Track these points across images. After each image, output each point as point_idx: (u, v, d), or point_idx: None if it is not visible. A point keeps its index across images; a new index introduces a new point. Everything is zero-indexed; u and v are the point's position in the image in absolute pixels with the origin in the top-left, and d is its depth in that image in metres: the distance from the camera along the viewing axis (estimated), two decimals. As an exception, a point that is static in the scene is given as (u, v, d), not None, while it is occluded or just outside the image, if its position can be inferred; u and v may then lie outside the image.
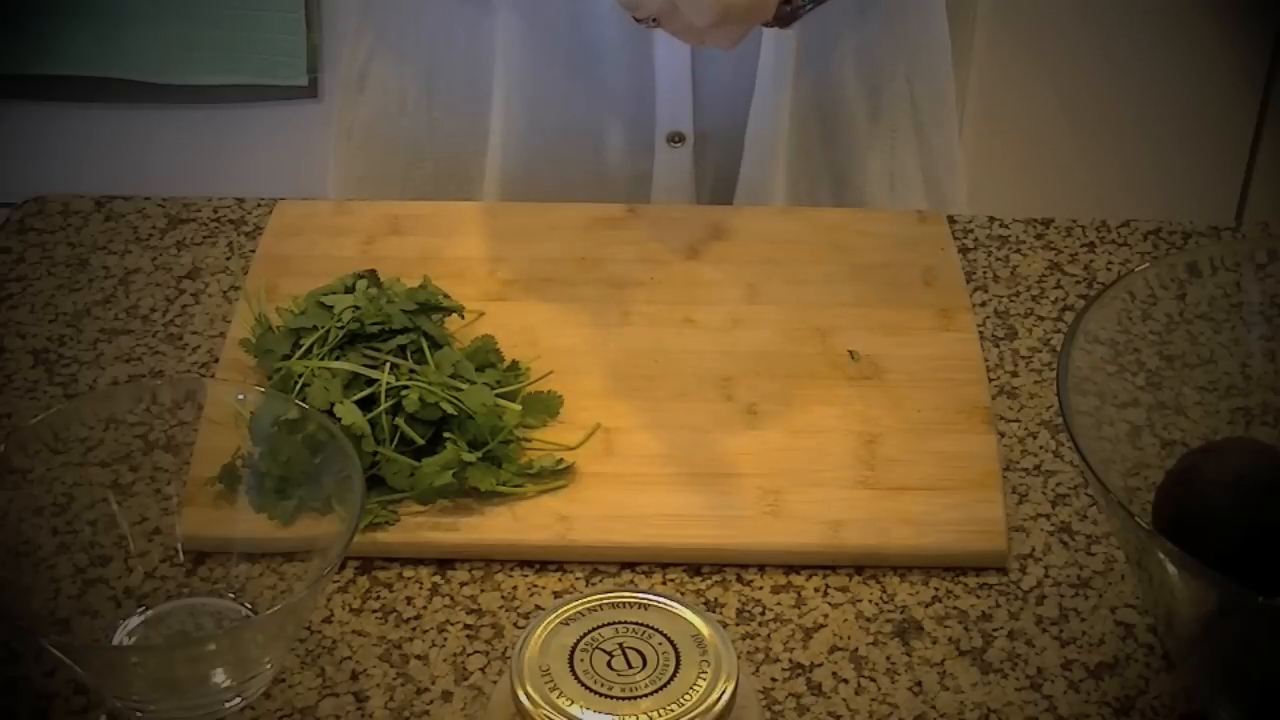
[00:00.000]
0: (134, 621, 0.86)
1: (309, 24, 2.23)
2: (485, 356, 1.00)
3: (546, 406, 0.99)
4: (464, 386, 0.96)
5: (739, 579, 0.92)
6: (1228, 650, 0.80)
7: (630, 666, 0.71)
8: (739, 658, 0.73)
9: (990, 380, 1.04)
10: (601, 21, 1.17)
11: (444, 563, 0.93)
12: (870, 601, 0.91)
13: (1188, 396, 0.90)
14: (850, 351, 1.04)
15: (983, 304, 1.10)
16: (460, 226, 1.14)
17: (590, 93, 1.20)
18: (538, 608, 0.90)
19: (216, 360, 1.04)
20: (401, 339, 0.97)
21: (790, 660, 0.88)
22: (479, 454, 0.94)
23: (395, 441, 0.94)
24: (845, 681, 0.87)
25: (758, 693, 0.85)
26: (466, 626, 0.89)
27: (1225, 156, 2.35)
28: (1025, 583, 0.92)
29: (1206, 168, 2.35)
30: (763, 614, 0.90)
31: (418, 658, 0.88)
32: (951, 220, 1.16)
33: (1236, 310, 0.91)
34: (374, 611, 0.90)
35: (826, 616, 0.90)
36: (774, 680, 0.87)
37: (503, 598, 0.91)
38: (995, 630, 0.89)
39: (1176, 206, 2.23)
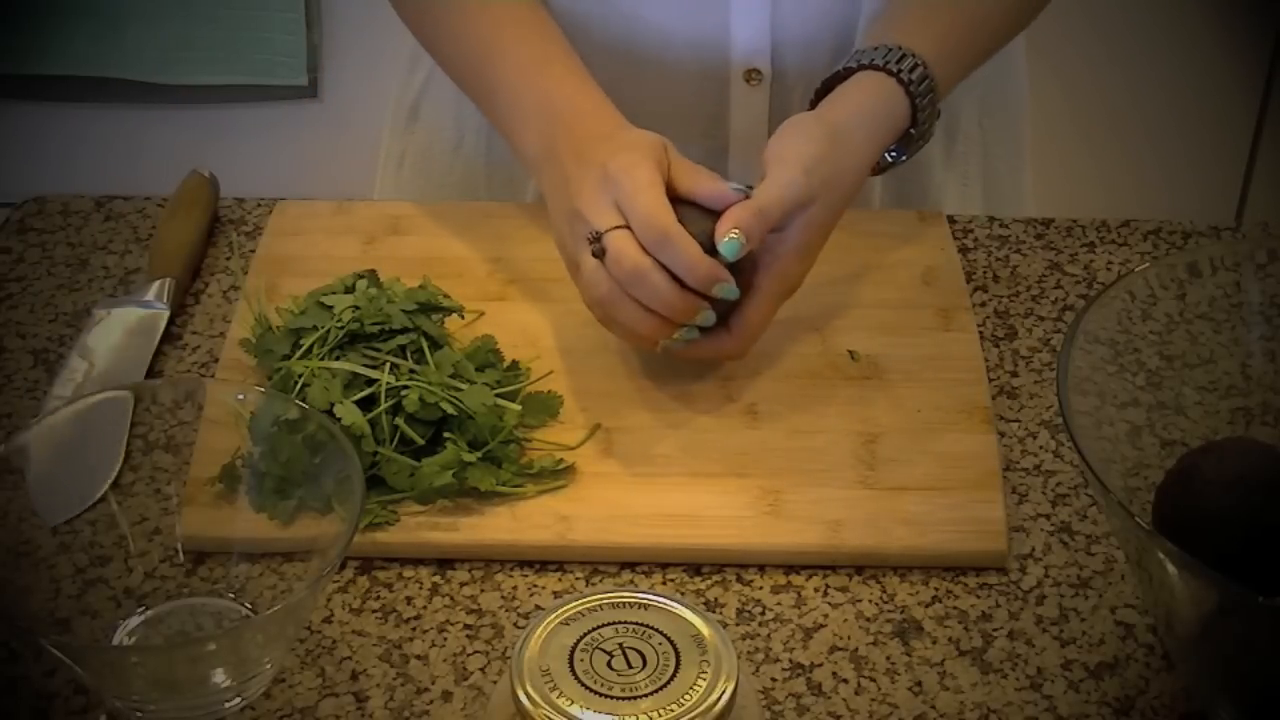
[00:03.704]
0: (134, 621, 0.86)
1: (309, 24, 2.23)
2: (485, 356, 1.00)
3: (546, 406, 0.99)
4: (464, 386, 0.96)
5: (739, 579, 0.92)
6: (1228, 650, 0.80)
7: (630, 666, 0.71)
8: (739, 658, 0.73)
9: (990, 380, 1.04)
10: None
11: (444, 563, 0.93)
12: (870, 601, 0.91)
13: (1188, 396, 0.90)
14: (850, 351, 1.04)
15: (983, 304, 1.10)
16: (460, 226, 1.14)
17: (660, 31, 1.15)
18: (538, 608, 0.90)
19: (216, 360, 1.04)
20: (401, 339, 0.97)
21: (790, 660, 0.88)
22: (479, 454, 0.94)
23: (395, 441, 0.94)
24: (845, 681, 0.87)
25: (758, 693, 0.85)
26: (466, 626, 0.89)
27: (1225, 156, 2.35)
28: (1025, 583, 0.92)
29: (1206, 168, 2.35)
30: (763, 614, 0.90)
31: (418, 658, 0.88)
32: (951, 220, 1.16)
33: (1236, 310, 0.91)
34: (374, 611, 0.90)
35: (826, 616, 0.90)
36: (774, 680, 0.87)
37: (503, 598, 0.91)
38: (995, 630, 0.89)
39: (1176, 206, 2.23)
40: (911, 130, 1.05)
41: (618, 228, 0.95)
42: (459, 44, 1.10)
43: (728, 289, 0.95)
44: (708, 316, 0.96)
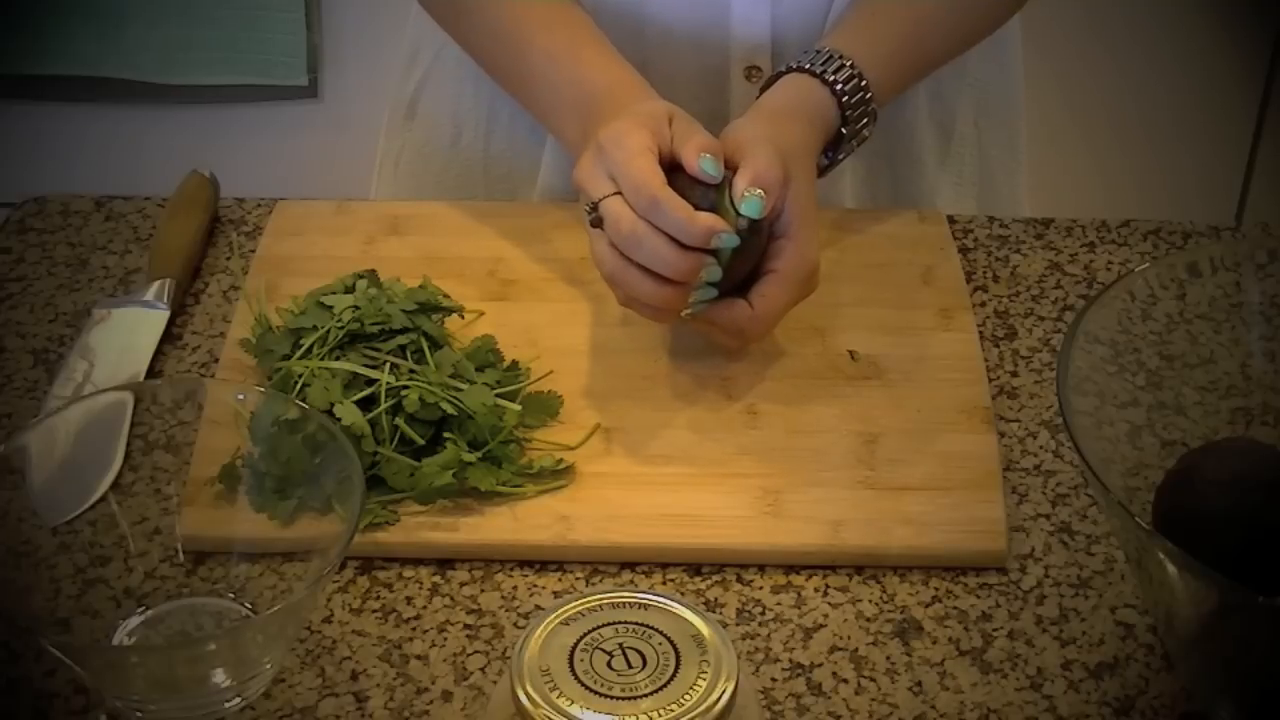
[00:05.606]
0: (134, 621, 0.86)
1: (309, 24, 2.23)
2: (485, 356, 1.00)
3: (546, 406, 0.99)
4: (464, 386, 0.96)
5: (739, 579, 0.92)
6: (1228, 650, 0.80)
7: (630, 666, 0.71)
8: (739, 658, 0.73)
9: (990, 380, 1.04)
10: None
11: (444, 563, 0.93)
12: (870, 601, 0.91)
13: (1188, 396, 0.90)
14: (850, 351, 1.04)
15: (983, 304, 1.10)
16: (460, 226, 1.14)
17: (663, 27, 1.15)
18: (538, 608, 0.90)
19: (216, 360, 1.04)
20: (401, 339, 0.97)
21: (790, 660, 0.88)
22: (479, 454, 0.94)
23: (395, 441, 0.94)
24: (845, 681, 0.87)
25: (758, 693, 0.85)
26: (466, 626, 0.89)
27: (1225, 156, 2.35)
28: (1025, 583, 0.92)
29: (1206, 168, 2.35)
30: (763, 614, 0.90)
31: (418, 658, 0.88)
32: (951, 220, 1.16)
33: (1236, 310, 0.91)
34: (374, 611, 0.90)
35: (826, 616, 0.90)
36: (774, 680, 0.87)
37: (503, 598, 0.91)
38: (995, 630, 0.89)
39: (1176, 206, 2.23)
40: (842, 130, 1.06)
41: (612, 195, 0.95)
42: (489, 40, 1.11)
43: (727, 237, 0.94)
44: (714, 272, 0.96)
